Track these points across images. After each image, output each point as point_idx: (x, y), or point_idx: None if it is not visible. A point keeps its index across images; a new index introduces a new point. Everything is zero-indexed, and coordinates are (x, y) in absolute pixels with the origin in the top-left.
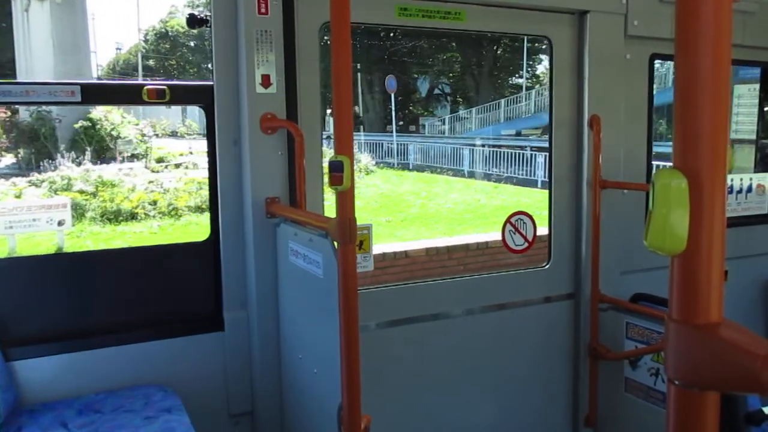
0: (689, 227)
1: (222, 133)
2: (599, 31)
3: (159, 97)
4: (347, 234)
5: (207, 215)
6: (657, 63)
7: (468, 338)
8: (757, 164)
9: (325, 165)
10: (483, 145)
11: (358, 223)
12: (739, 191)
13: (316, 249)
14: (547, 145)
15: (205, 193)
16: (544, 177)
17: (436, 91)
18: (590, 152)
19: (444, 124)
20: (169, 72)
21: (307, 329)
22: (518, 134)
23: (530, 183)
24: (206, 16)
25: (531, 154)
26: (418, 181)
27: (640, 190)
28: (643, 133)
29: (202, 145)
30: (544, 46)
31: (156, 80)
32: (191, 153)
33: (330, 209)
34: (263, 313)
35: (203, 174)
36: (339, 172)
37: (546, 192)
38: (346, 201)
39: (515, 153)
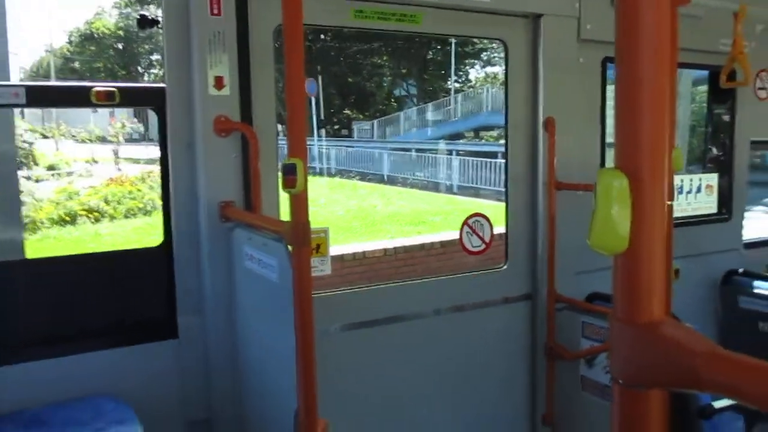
0: (631, 226)
1: (174, 136)
2: (553, 35)
3: (108, 99)
4: (301, 237)
5: (76, 228)
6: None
7: (427, 340)
8: (705, 165)
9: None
10: (406, 150)
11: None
12: (689, 191)
13: (271, 253)
14: (473, 148)
15: (76, 203)
16: (460, 181)
17: (397, 92)
18: (545, 154)
19: (373, 128)
20: (95, 75)
21: (263, 334)
22: (455, 137)
23: (442, 187)
24: (157, 17)
25: (445, 159)
26: (324, 187)
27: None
28: (596, 135)
29: (123, 150)
30: (473, 50)
31: (106, 82)
32: (94, 161)
33: (286, 213)
34: (219, 318)
35: (95, 182)
36: (292, 175)
37: (452, 197)
38: (300, 204)
39: (431, 157)
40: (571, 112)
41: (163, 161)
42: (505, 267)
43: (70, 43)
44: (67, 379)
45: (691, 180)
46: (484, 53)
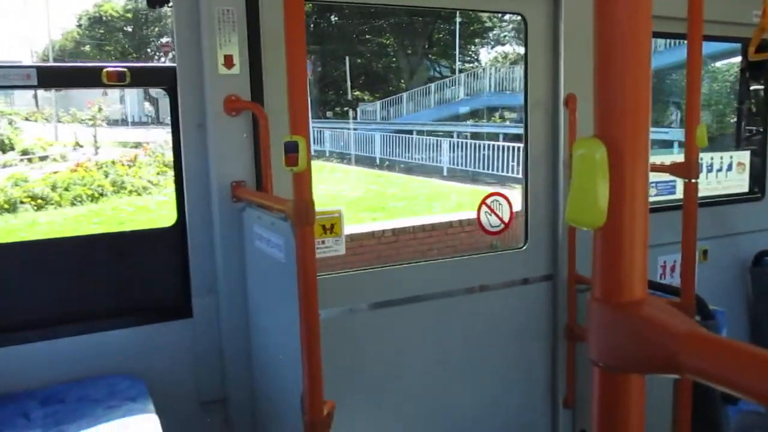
0: (609, 199)
1: (185, 116)
2: (574, 9)
3: (119, 80)
4: (304, 216)
5: (16, 216)
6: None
7: (445, 321)
8: (739, 142)
9: None
10: (408, 132)
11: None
12: (719, 169)
13: (278, 232)
14: (472, 129)
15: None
16: (450, 164)
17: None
18: (566, 132)
19: (376, 109)
20: (105, 59)
21: (271, 314)
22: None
23: (434, 171)
24: None
25: (436, 141)
26: None
27: None
28: None
29: (108, 132)
30: (480, 28)
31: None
32: (79, 146)
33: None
34: (231, 298)
35: (64, 166)
36: (294, 153)
37: (443, 182)
38: (302, 182)
39: (424, 139)
40: (592, 89)
41: (175, 141)
42: (525, 247)
43: (79, 26)
44: (83, 358)
45: (721, 157)
46: (492, 32)
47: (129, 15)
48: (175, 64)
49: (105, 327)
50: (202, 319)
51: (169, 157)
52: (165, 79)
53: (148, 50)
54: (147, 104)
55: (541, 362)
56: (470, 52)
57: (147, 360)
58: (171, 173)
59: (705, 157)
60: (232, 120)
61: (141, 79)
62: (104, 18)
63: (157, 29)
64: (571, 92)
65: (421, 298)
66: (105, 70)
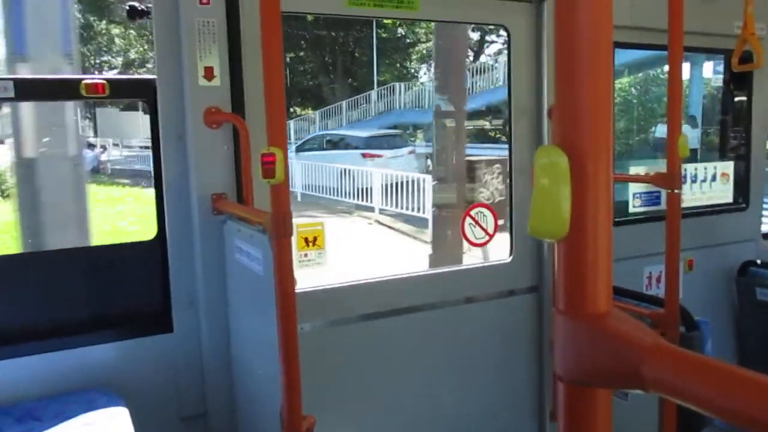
0: (572, 209)
1: (165, 128)
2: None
3: (98, 92)
4: (282, 228)
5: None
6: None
7: (430, 334)
8: (723, 152)
9: None
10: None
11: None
12: (703, 180)
13: (256, 245)
14: None
15: None
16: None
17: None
18: (550, 142)
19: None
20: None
21: (251, 328)
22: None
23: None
24: (147, 7)
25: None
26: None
27: None
28: None
29: None
30: (403, 44)
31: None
32: None
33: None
34: (212, 313)
35: None
36: (271, 165)
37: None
38: (279, 194)
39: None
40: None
41: (155, 154)
42: (510, 259)
43: None
44: (61, 373)
45: (705, 168)
46: (417, 46)
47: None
48: (154, 76)
49: (83, 342)
50: (183, 332)
51: None
52: (144, 90)
53: (86, 65)
54: None
55: (527, 374)
56: (392, 68)
57: (126, 375)
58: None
59: (689, 168)
60: (213, 132)
61: (120, 90)
62: None
63: (93, 46)
64: (555, 103)
65: (406, 310)
66: (83, 82)
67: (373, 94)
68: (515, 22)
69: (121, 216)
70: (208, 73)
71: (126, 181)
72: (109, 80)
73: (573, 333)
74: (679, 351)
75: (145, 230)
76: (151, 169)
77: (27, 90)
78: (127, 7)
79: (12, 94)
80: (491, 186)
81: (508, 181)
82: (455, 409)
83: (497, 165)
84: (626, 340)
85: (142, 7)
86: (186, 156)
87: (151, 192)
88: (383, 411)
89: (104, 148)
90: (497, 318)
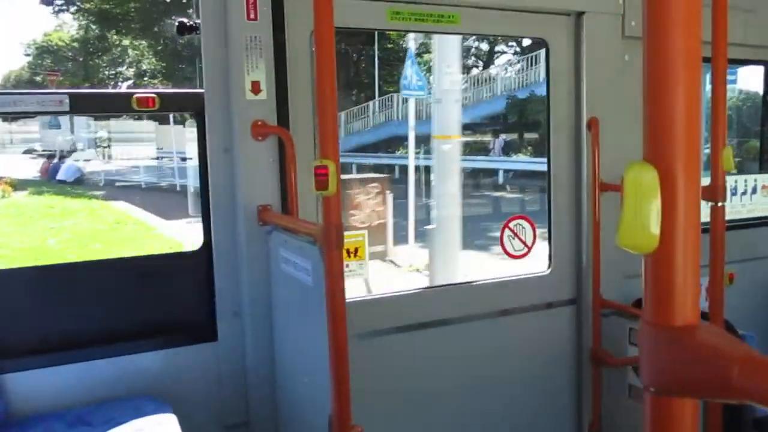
0: (661, 223)
1: (213, 140)
2: (596, 33)
3: (149, 106)
4: (333, 240)
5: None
6: None
7: (468, 346)
8: (763, 164)
9: None
10: None
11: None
12: (743, 192)
13: (305, 256)
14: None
15: None
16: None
17: None
18: (589, 155)
19: None
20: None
21: (298, 338)
22: None
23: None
24: (195, 23)
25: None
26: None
27: None
28: (641, 135)
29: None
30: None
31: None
32: None
33: None
34: (257, 322)
35: None
36: (324, 177)
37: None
38: (332, 206)
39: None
40: (615, 112)
41: (202, 166)
42: (548, 271)
43: (28, 55)
44: (110, 380)
45: (745, 180)
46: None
47: (76, 44)
48: (203, 90)
49: (131, 349)
50: (227, 342)
51: None
52: (193, 104)
53: (101, 77)
54: None
55: (566, 387)
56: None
57: (172, 382)
58: None
59: (729, 180)
60: (259, 144)
61: (170, 104)
62: (51, 47)
63: (108, 57)
64: (594, 115)
65: (447, 321)
66: (135, 96)
67: (372, 104)
68: (554, 35)
69: (56, 232)
70: (255, 87)
71: (99, 193)
72: (159, 94)
73: (662, 344)
74: None
75: (74, 248)
76: (198, 181)
77: (81, 104)
78: (177, 23)
79: (67, 108)
80: (366, 208)
81: (547, 193)
82: (494, 421)
83: (374, 184)
84: (717, 352)
85: (191, 23)
86: (233, 168)
87: (117, 206)
88: (422, 421)
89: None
90: (536, 330)
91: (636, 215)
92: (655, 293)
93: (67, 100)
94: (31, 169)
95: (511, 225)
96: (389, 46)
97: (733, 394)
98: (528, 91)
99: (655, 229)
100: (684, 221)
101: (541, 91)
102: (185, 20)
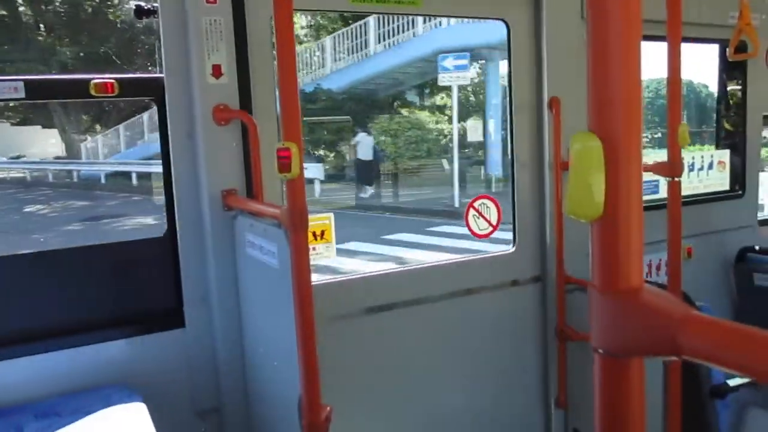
0: (605, 192)
1: (174, 126)
2: (555, 13)
3: (107, 91)
4: (298, 222)
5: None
6: None
7: (436, 324)
8: (719, 141)
9: None
10: None
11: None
12: (700, 168)
13: (271, 239)
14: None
15: None
16: None
17: None
18: (551, 134)
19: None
20: None
21: (266, 321)
22: None
23: None
24: (153, 6)
25: None
26: None
27: None
28: None
29: None
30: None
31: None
32: None
33: None
34: (224, 307)
35: None
36: (287, 160)
37: None
38: (295, 188)
39: None
40: (576, 92)
41: (164, 151)
42: (513, 249)
43: None
44: (77, 370)
45: (702, 156)
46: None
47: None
48: (162, 75)
49: (97, 339)
50: (195, 328)
51: None
52: (153, 89)
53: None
54: None
55: (532, 363)
56: None
57: (141, 371)
58: None
59: (686, 157)
60: (222, 129)
61: (129, 90)
62: None
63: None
64: (555, 95)
65: (413, 302)
66: (93, 81)
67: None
68: (515, 16)
69: None
70: (216, 71)
71: None
72: (118, 79)
73: (608, 307)
74: (711, 319)
75: None
76: (162, 167)
77: (37, 90)
78: (135, 7)
79: (23, 95)
80: None
81: (510, 172)
82: (462, 399)
83: None
84: (661, 312)
85: (149, 6)
86: (195, 153)
87: None
88: (391, 400)
89: None
90: (502, 308)
91: (581, 184)
92: (601, 259)
93: (22, 87)
94: None
95: (475, 205)
96: None
97: (675, 352)
98: None
99: (600, 197)
100: (626, 190)
101: None
102: (143, 3)
